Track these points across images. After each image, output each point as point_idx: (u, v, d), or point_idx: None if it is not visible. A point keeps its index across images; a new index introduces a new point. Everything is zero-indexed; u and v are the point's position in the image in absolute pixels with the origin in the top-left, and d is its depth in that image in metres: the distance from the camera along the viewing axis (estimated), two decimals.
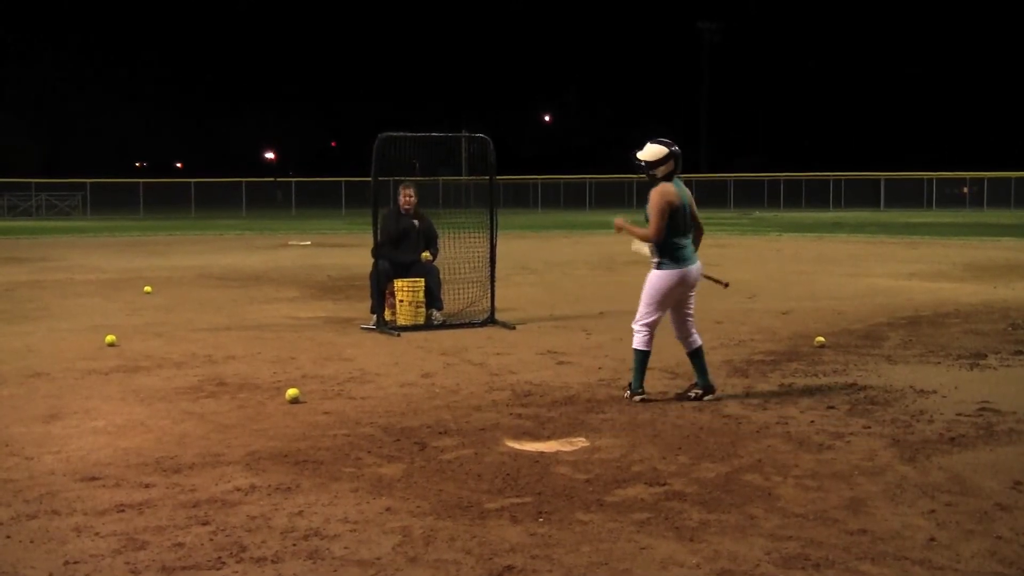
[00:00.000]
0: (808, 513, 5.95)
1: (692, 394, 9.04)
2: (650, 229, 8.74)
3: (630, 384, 9.09)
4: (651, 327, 8.96)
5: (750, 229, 41.02)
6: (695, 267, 8.95)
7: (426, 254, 13.80)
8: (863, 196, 65.63)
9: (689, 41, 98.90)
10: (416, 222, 13.91)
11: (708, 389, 9.05)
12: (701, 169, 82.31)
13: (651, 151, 8.85)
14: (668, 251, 8.81)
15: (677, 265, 8.81)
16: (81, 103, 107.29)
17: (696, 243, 9.12)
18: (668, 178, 8.85)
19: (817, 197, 68.40)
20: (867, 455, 7.20)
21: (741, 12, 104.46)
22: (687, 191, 9.01)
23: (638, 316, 8.98)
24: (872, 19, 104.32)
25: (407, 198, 13.85)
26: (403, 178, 14.31)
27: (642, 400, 8.91)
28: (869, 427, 8.01)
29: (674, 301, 8.97)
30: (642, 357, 8.99)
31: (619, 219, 9.31)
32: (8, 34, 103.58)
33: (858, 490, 6.40)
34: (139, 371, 10.58)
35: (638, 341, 8.96)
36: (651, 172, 8.85)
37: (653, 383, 9.68)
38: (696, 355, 9.11)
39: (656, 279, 8.87)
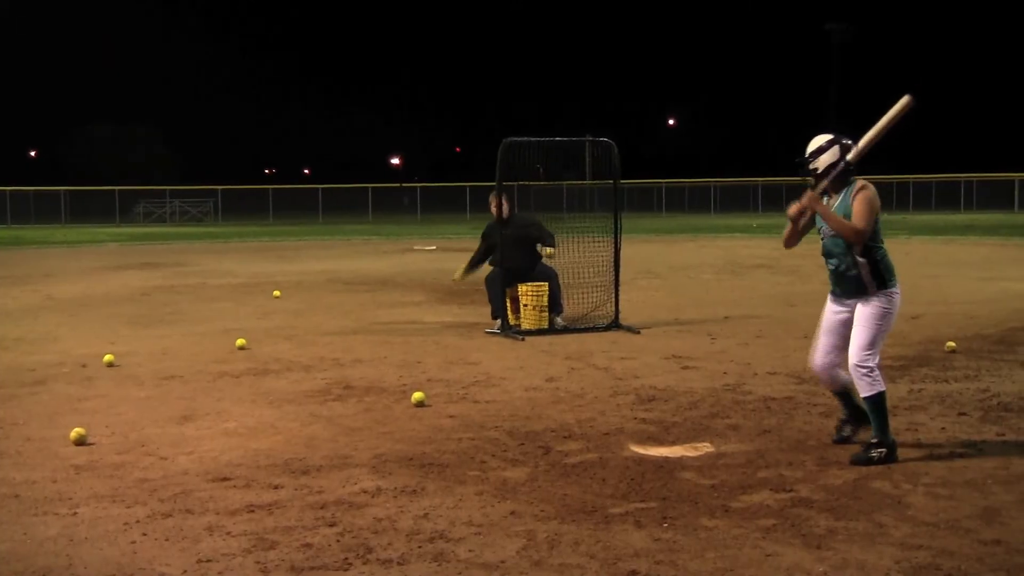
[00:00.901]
0: (939, 522, 5.83)
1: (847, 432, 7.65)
2: (859, 223, 7.10)
3: (875, 442, 7.15)
4: (878, 367, 7.19)
5: None
6: None
7: (549, 250, 13.73)
8: (996, 197, 63.85)
9: (817, 43, 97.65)
10: (525, 227, 13.91)
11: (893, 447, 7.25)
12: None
13: (820, 144, 7.34)
14: (887, 265, 7.31)
15: (897, 281, 7.33)
16: (213, 112, 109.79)
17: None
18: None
19: (948, 199, 66.85)
20: (1001, 463, 7.03)
21: (870, 12, 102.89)
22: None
23: (862, 356, 7.13)
24: (1002, 16, 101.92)
25: (492, 206, 13.86)
26: (530, 183, 14.35)
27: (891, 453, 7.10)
28: (1003, 434, 7.82)
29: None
30: (880, 400, 7.17)
31: (809, 196, 7.30)
32: (146, 50, 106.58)
33: (992, 499, 6.25)
34: (269, 374, 10.76)
35: (870, 385, 7.14)
36: (844, 164, 7.22)
37: (778, 387, 9.57)
38: (849, 394, 7.63)
39: (892, 305, 7.22)
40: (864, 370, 7.13)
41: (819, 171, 7.31)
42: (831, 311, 7.48)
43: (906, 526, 5.77)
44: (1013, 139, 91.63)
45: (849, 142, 7.34)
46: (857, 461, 7.07)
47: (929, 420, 8.30)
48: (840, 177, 7.27)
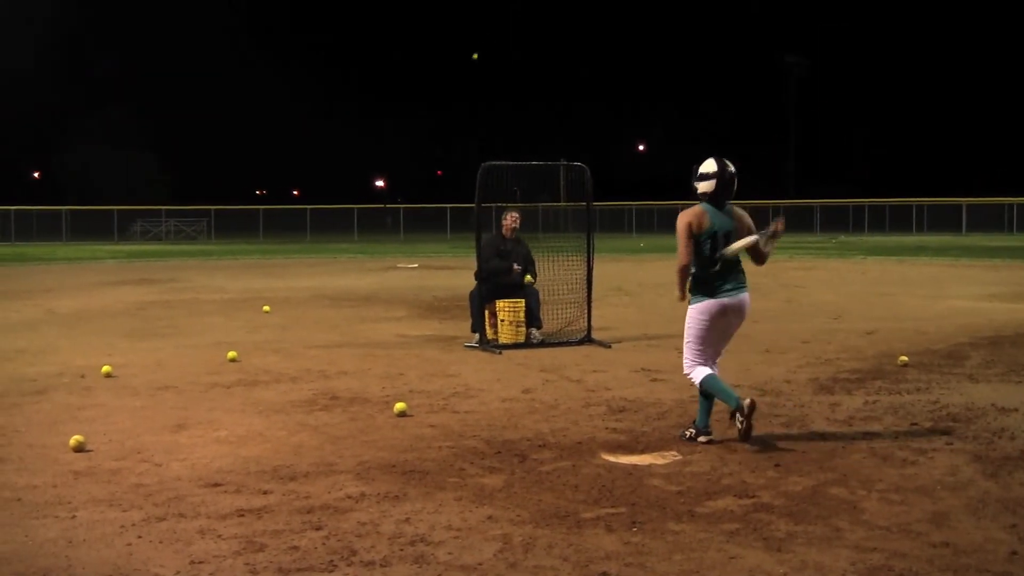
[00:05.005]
0: (892, 526, 5.85)
1: (687, 434, 8.05)
2: (678, 253, 7.88)
3: (693, 423, 8.05)
4: (698, 361, 7.98)
5: (835, 252, 40.47)
6: (738, 298, 7.94)
7: (529, 277, 13.83)
8: (945, 221, 64.38)
9: (777, 73, 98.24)
10: (517, 246, 13.96)
11: (703, 431, 7.98)
12: (789, 195, 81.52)
13: (702, 164, 7.96)
14: (700, 281, 7.90)
15: (710, 296, 7.87)
16: (207, 136, 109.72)
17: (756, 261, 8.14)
18: (711, 199, 7.86)
19: (900, 222, 67.26)
20: (950, 470, 7.06)
21: (827, 47, 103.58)
22: (736, 218, 7.92)
23: (684, 358, 8.07)
24: (949, 54, 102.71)
25: (513, 222, 13.92)
26: (506, 204, 14.37)
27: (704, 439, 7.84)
28: (951, 443, 7.85)
29: (718, 335, 8.05)
30: (702, 386, 7.90)
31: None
32: (144, 78, 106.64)
33: (941, 504, 6.28)
34: (258, 385, 10.73)
35: (696, 376, 7.94)
36: (694, 186, 7.94)
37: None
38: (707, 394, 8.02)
39: (689, 314, 8.03)
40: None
41: (697, 192, 7.89)
42: None
43: (861, 530, 5.78)
44: (961, 166, 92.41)
45: (728, 171, 7.86)
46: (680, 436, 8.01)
47: (883, 430, 8.33)
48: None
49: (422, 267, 33.36)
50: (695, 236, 7.81)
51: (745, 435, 7.70)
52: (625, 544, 5.57)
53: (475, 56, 58.87)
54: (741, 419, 7.67)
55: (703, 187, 7.89)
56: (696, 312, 7.95)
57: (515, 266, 13.75)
